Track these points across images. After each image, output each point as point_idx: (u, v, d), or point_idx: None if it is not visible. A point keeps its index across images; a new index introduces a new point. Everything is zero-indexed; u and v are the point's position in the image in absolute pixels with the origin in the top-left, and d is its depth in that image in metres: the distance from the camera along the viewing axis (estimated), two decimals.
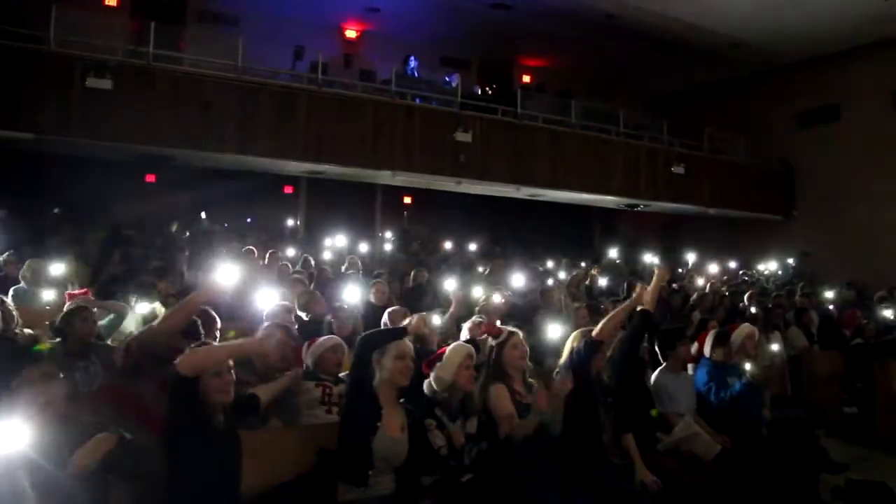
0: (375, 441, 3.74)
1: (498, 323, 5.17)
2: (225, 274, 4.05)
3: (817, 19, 15.75)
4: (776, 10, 15.39)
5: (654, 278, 5.22)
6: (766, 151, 18.68)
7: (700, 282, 10.63)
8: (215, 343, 3.70)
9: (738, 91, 19.97)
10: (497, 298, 6.82)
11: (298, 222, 17.00)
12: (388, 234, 16.00)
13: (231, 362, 3.58)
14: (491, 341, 4.60)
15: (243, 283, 6.81)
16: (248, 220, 15.77)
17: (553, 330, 5.63)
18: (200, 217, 15.28)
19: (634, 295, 5.04)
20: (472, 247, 15.32)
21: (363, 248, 13.40)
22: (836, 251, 17.53)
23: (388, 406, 3.91)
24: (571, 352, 4.80)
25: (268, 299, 6.14)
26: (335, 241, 13.32)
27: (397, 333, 4.12)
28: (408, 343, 4.07)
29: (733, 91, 20.04)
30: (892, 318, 9.96)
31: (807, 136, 18.94)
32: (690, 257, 16.20)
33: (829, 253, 17.67)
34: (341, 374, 4.69)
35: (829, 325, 10.01)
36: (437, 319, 5.78)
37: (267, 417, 4.26)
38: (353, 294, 7.09)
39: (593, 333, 4.75)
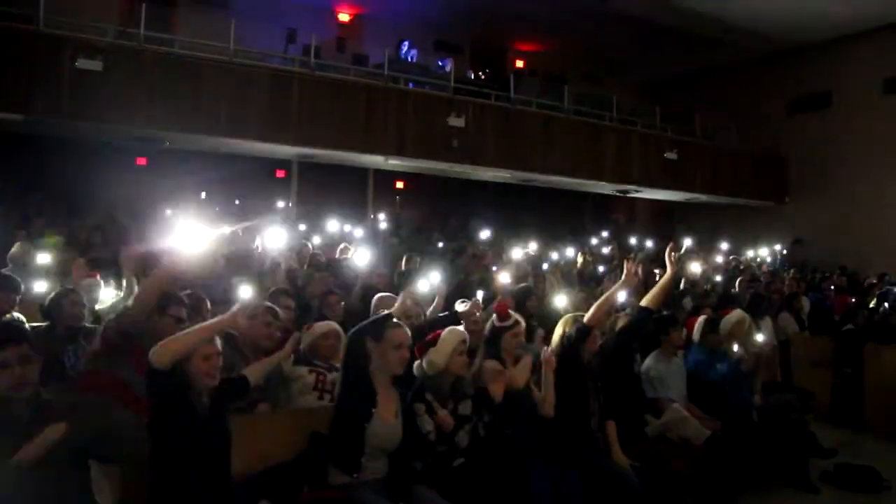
0: (370, 428, 3.74)
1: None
2: (187, 245, 3.94)
3: (808, 7, 15.76)
4: None
5: (668, 272, 5.21)
6: (758, 138, 18.73)
7: (693, 268, 10.63)
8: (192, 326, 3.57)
9: (730, 77, 19.97)
10: (504, 278, 6.76)
11: (290, 205, 16.92)
12: (382, 218, 15.88)
13: (219, 345, 3.51)
14: (495, 320, 4.58)
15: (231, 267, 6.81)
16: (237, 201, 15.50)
17: (560, 300, 5.63)
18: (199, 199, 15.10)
19: (623, 277, 4.97)
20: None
21: (357, 233, 13.29)
22: (827, 237, 17.63)
23: (383, 392, 3.90)
24: (562, 337, 4.81)
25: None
26: (328, 226, 13.17)
27: (384, 320, 4.02)
28: (406, 331, 4.02)
29: (726, 77, 20.03)
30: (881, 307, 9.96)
31: (799, 122, 19.02)
32: (686, 242, 16.22)
33: (820, 239, 17.76)
34: (336, 363, 4.62)
35: (820, 310, 10.07)
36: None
37: (255, 401, 4.23)
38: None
39: (585, 319, 4.75)
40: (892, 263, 14.98)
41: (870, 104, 17.46)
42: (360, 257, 6.84)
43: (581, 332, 4.71)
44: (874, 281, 12.76)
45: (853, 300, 10.24)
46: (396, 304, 4.38)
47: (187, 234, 3.92)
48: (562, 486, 4.14)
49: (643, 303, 5.34)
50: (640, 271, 5.00)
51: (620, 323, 5.48)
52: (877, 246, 16.53)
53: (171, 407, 3.30)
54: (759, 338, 7.19)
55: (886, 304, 9.73)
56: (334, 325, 4.87)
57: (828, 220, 17.83)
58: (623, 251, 14.54)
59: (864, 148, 17.32)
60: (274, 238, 7.55)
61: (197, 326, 3.44)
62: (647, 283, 7.73)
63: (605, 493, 4.37)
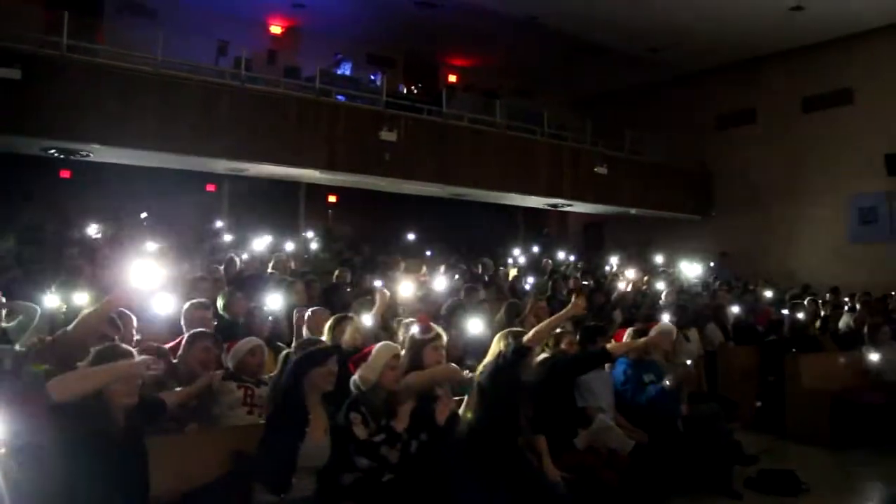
0: (302, 447, 3.73)
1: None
2: (141, 275, 3.94)
3: (733, 27, 16.28)
4: (695, 18, 15.84)
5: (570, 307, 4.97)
6: (686, 153, 19.11)
7: (622, 285, 10.93)
8: (90, 367, 3.41)
9: (659, 94, 20.42)
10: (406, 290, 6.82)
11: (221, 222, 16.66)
12: (311, 234, 15.78)
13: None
14: (415, 331, 4.55)
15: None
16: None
17: (474, 326, 5.65)
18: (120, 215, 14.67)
19: (572, 307, 4.90)
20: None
21: (289, 247, 13.17)
22: (752, 250, 18.11)
23: (313, 410, 3.89)
24: (499, 355, 4.76)
25: (164, 304, 5.95)
26: (260, 241, 13.03)
27: (331, 352, 4.04)
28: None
29: (655, 94, 20.48)
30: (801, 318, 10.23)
31: (725, 138, 19.53)
32: (613, 258, 16.58)
33: (745, 252, 18.24)
34: (264, 377, 4.66)
35: (744, 322, 10.32)
36: (367, 319, 5.75)
37: (185, 421, 4.20)
38: (274, 299, 6.90)
39: (525, 339, 4.66)
40: (814, 275, 15.49)
41: (789, 120, 18.09)
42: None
43: (519, 354, 4.66)
44: (797, 292, 13.13)
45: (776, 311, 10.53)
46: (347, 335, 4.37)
47: (140, 271, 3.93)
48: (492, 499, 4.15)
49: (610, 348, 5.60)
50: (585, 302, 5.04)
51: (565, 344, 5.58)
52: (799, 258, 17.08)
53: (77, 430, 3.19)
54: (688, 361, 7.40)
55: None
56: (258, 340, 4.88)
57: (752, 233, 18.32)
58: (554, 264, 14.75)
59: (786, 163, 17.91)
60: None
61: (100, 368, 3.31)
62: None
63: None
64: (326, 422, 3.95)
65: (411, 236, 16.59)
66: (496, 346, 4.82)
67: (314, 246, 14.57)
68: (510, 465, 4.49)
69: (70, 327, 4.13)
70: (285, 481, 3.69)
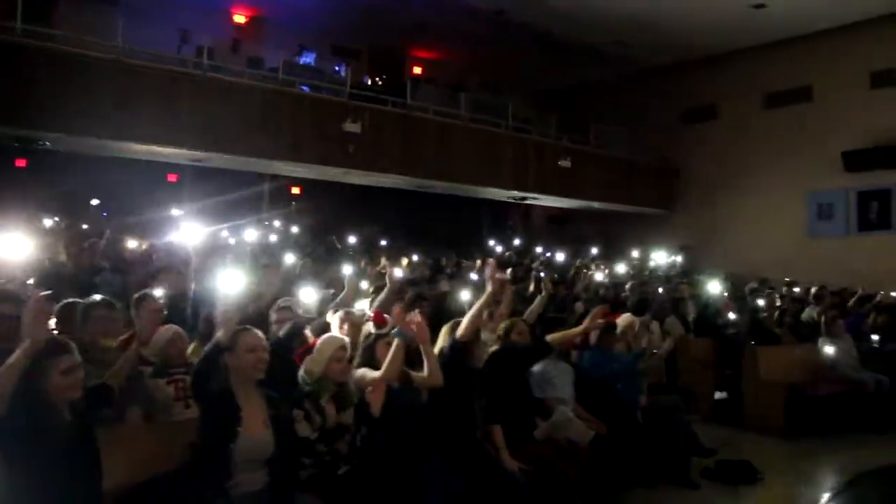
0: (237, 445, 3.56)
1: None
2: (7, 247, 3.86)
3: (697, 23, 16.43)
4: (660, 13, 15.95)
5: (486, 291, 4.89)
6: (650, 147, 19.27)
7: (590, 276, 11.00)
8: None
9: (624, 89, 20.47)
10: (397, 272, 6.78)
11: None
12: (277, 224, 15.68)
13: (77, 358, 3.31)
14: (371, 328, 4.52)
15: None
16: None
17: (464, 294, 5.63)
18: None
19: (492, 284, 4.83)
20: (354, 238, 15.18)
21: (251, 237, 13.07)
22: (713, 244, 18.34)
23: (248, 402, 3.71)
24: (441, 351, 4.76)
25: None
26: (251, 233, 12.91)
27: (237, 332, 3.74)
28: (257, 333, 3.84)
29: (620, 89, 20.53)
30: (762, 307, 10.41)
31: (689, 132, 19.67)
32: (578, 251, 16.68)
33: (707, 246, 18.46)
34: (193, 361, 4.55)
35: (704, 314, 10.43)
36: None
37: (123, 408, 4.08)
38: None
39: (457, 334, 4.70)
40: (773, 269, 15.71)
41: (751, 116, 18.32)
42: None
43: (455, 349, 4.68)
44: (755, 285, 13.30)
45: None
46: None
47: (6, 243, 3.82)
48: (449, 490, 4.15)
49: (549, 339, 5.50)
50: (497, 274, 4.91)
51: (516, 335, 5.57)
52: (759, 252, 17.29)
53: (24, 431, 3.08)
54: (666, 344, 7.48)
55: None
56: (175, 328, 4.74)
57: (714, 227, 18.55)
58: (521, 257, 14.80)
59: (747, 159, 18.13)
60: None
61: (7, 363, 3.04)
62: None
63: (494, 496, 4.40)
64: (266, 411, 3.74)
65: (376, 229, 16.53)
66: (441, 340, 4.82)
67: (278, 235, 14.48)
68: (467, 455, 4.50)
69: None
70: (223, 484, 3.54)
